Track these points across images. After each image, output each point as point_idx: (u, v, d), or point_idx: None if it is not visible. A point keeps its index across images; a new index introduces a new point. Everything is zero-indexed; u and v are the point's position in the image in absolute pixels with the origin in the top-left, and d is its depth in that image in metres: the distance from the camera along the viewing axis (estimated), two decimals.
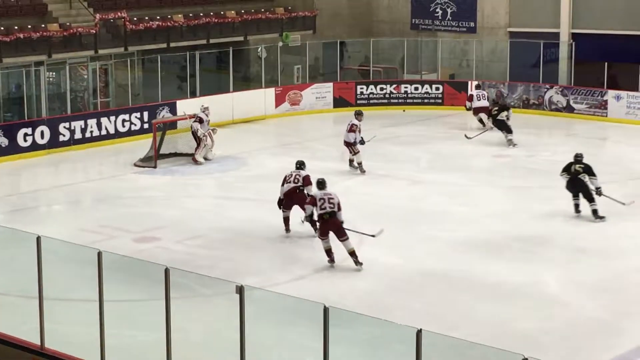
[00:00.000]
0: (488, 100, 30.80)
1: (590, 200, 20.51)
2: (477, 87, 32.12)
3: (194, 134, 26.42)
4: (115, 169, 25.92)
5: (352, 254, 17.41)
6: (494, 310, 15.45)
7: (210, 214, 21.35)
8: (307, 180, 19.44)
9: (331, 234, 17.51)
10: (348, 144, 25.04)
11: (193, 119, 26.57)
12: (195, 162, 26.25)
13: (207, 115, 26.80)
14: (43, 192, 23.84)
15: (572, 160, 20.81)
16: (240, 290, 10.76)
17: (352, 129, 24.83)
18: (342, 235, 17.41)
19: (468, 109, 30.93)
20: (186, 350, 12.14)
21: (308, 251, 18.53)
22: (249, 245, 19.13)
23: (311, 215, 18.06)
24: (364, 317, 12.40)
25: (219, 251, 18.72)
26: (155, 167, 25.82)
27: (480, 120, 30.27)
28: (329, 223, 17.45)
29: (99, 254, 11.79)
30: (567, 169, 20.79)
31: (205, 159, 26.54)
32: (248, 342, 10.89)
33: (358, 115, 25.31)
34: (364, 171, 24.88)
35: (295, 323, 13.62)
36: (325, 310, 10.05)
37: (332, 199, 17.45)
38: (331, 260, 17.56)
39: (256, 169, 25.90)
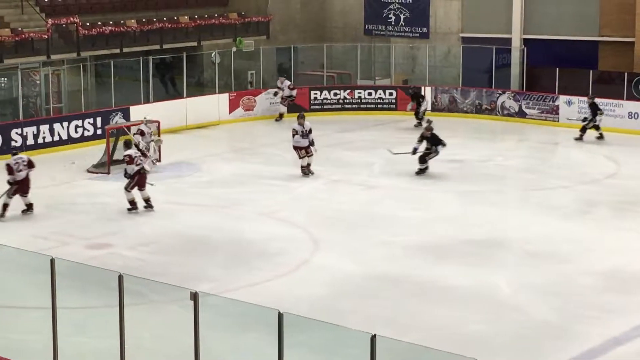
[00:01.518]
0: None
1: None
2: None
3: (136, 146, 26.14)
4: (68, 176, 25.77)
5: (148, 200, 21.79)
6: (447, 313, 15.56)
7: (163, 220, 21.30)
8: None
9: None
10: (296, 148, 25.31)
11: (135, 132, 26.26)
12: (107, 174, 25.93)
13: (149, 128, 26.52)
14: None
15: None
16: (194, 296, 10.76)
17: (293, 133, 25.22)
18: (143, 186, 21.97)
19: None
20: (140, 357, 12.11)
21: (261, 258, 18.55)
22: (202, 251, 19.11)
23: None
24: (318, 323, 12.44)
25: (172, 257, 18.69)
26: (108, 173, 25.71)
27: None
28: (144, 177, 21.90)
29: (52, 261, 11.74)
30: None
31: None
32: (203, 349, 10.89)
33: (299, 118, 25.65)
34: (312, 173, 25.05)
35: (249, 329, 13.63)
36: (280, 316, 10.08)
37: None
38: (135, 208, 21.69)
39: (209, 175, 25.87)
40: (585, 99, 31.15)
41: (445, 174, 25.85)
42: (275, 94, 34.07)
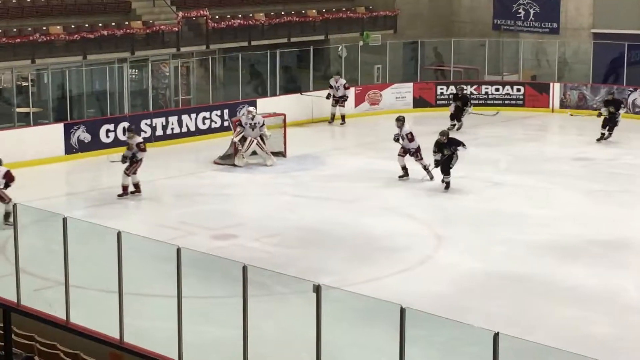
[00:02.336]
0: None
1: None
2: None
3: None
4: (195, 166, 26.16)
5: (137, 184, 22.86)
6: (571, 314, 15.31)
7: (287, 212, 21.45)
8: None
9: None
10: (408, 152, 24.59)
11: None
12: (234, 166, 26.16)
13: (251, 119, 26.19)
14: None
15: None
16: (317, 289, 10.80)
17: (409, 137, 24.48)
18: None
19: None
20: (262, 348, 12.21)
21: (384, 253, 18.53)
22: (325, 244, 19.19)
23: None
24: (440, 319, 12.36)
25: (296, 249, 18.81)
26: (234, 164, 26.00)
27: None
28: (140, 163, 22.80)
29: (178, 250, 11.93)
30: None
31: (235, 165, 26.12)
32: (324, 341, 10.93)
33: (398, 121, 24.78)
34: (432, 177, 24.50)
35: (371, 323, 13.62)
36: (402, 311, 10.05)
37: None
38: (126, 194, 22.56)
39: (334, 169, 25.94)
40: None
41: (572, 172, 25.41)
42: (328, 96, 32.25)
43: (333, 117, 32.38)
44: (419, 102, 34.41)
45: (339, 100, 32.33)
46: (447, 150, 23.37)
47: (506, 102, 34.91)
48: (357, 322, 12.39)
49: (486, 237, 19.52)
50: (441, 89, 34.90)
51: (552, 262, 17.91)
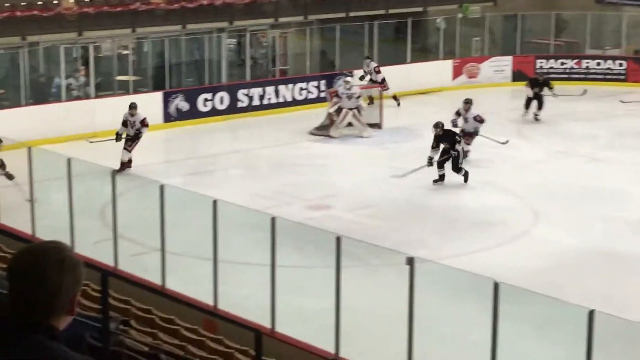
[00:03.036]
0: None
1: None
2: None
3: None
4: (291, 137, 26.24)
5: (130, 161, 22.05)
6: None
7: (381, 184, 21.39)
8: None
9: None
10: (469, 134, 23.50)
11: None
12: (329, 137, 26.00)
13: (348, 90, 26.13)
14: (220, 157, 24.38)
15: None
16: (410, 261, 10.77)
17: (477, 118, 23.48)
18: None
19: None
20: (354, 318, 12.24)
21: (479, 227, 18.39)
22: (419, 217, 19.11)
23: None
24: (534, 295, 12.24)
25: (389, 222, 18.77)
26: (329, 136, 26.01)
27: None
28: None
29: (273, 220, 11.99)
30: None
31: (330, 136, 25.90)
32: (416, 314, 10.91)
33: (465, 103, 23.71)
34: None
35: (464, 297, 13.56)
36: (496, 286, 9.97)
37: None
38: (123, 169, 21.58)
39: (429, 141, 25.70)
40: None
41: None
42: (362, 77, 30.08)
43: (372, 99, 28.51)
44: (518, 76, 33.94)
45: (380, 83, 29.40)
46: (445, 144, 21.01)
47: (607, 76, 34.27)
48: (449, 295, 12.35)
49: (584, 214, 19.22)
50: (541, 62, 34.39)
51: None
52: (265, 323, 11.85)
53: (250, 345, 9.50)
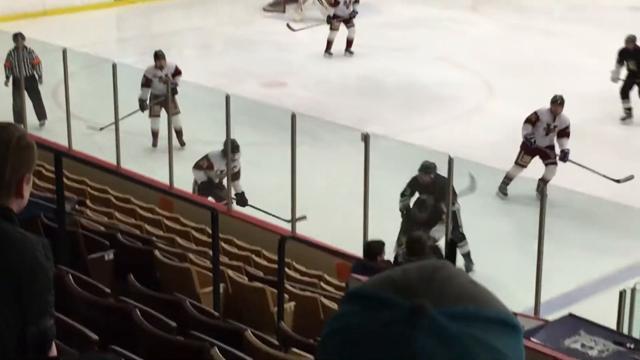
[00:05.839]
0: None
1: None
2: None
3: None
4: (246, 14, 25.94)
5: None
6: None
7: (337, 61, 21.30)
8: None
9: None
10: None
11: None
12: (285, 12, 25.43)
13: None
14: (174, 35, 24.09)
15: None
16: (365, 138, 10.79)
17: None
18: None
19: None
20: (310, 195, 12.31)
21: (434, 102, 18.43)
22: (374, 94, 19.10)
23: None
24: (489, 168, 12.37)
25: (346, 99, 18.75)
26: (284, 12, 25.73)
27: None
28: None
29: (227, 98, 11.93)
30: None
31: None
32: (372, 190, 10.98)
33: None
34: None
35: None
36: (450, 161, 10.03)
37: None
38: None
39: (388, 16, 25.58)
40: None
41: (626, 21, 24.85)
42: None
43: (329, 45, 21.87)
44: None
45: (346, 21, 22.06)
46: (430, 199, 11.82)
47: None
48: (405, 171, 12.40)
49: (538, 88, 19.24)
50: None
51: (603, 114, 17.71)
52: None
53: (207, 223, 9.54)
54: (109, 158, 13.16)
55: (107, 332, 5.71)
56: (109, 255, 8.25)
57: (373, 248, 9.35)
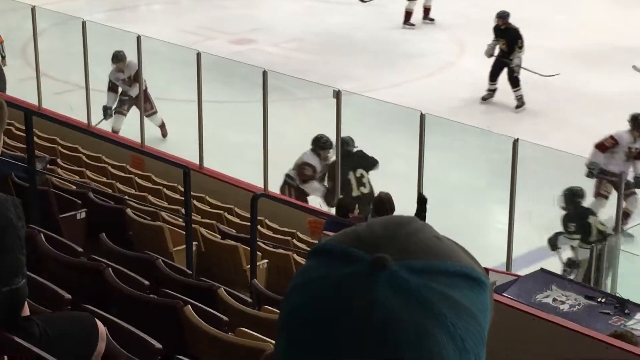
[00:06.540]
0: None
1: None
2: None
3: None
4: None
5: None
6: (591, 121, 15.24)
7: (307, 17, 21.19)
8: None
9: None
10: None
11: None
12: None
13: None
14: None
15: None
16: (337, 94, 10.79)
17: None
18: None
19: None
20: (282, 152, 12.30)
21: (405, 59, 18.41)
22: (347, 50, 19.04)
23: None
24: (460, 125, 12.38)
25: (316, 55, 18.69)
26: None
27: None
28: None
29: (198, 55, 11.87)
30: None
31: None
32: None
33: None
34: None
35: (391, 129, 13.66)
36: (422, 117, 10.05)
37: None
38: None
39: None
40: None
41: None
42: None
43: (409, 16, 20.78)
44: None
45: None
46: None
47: None
48: (377, 127, 12.43)
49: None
50: None
51: (573, 68, 17.74)
52: (194, 159, 11.85)
53: (179, 181, 9.52)
54: (80, 117, 13.08)
55: (80, 291, 5.69)
56: (81, 214, 8.21)
57: (345, 205, 9.37)
